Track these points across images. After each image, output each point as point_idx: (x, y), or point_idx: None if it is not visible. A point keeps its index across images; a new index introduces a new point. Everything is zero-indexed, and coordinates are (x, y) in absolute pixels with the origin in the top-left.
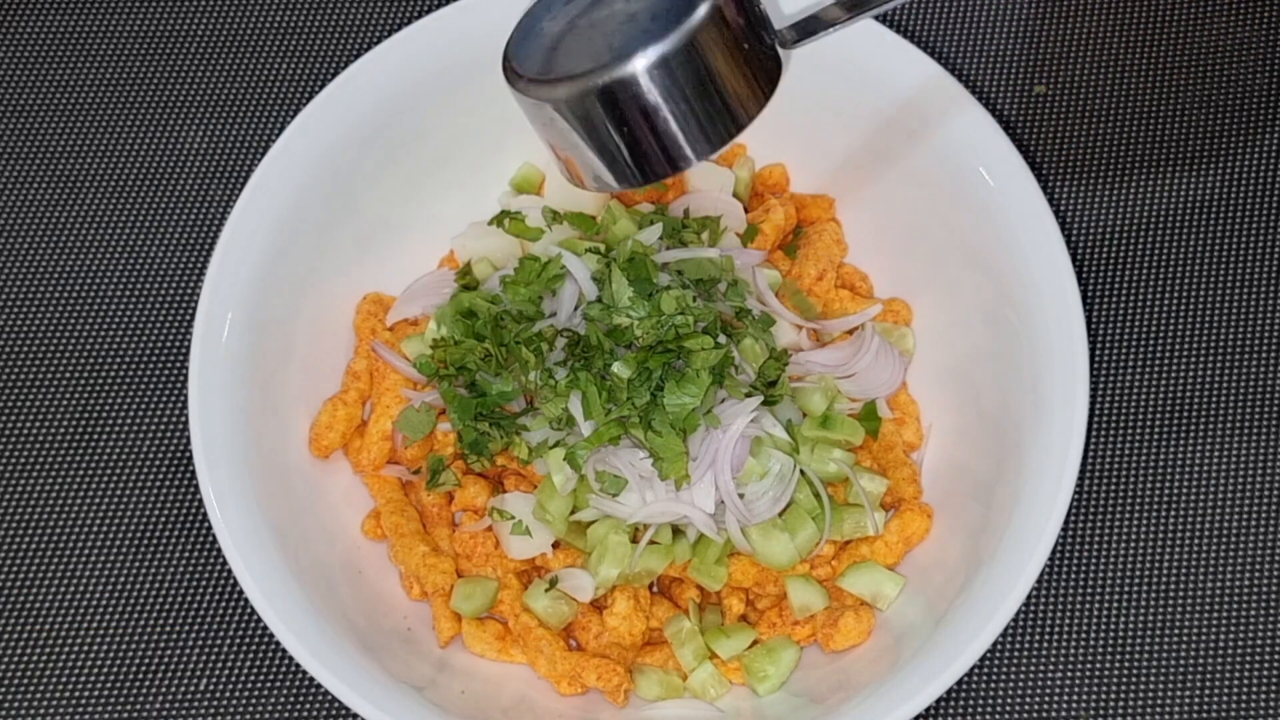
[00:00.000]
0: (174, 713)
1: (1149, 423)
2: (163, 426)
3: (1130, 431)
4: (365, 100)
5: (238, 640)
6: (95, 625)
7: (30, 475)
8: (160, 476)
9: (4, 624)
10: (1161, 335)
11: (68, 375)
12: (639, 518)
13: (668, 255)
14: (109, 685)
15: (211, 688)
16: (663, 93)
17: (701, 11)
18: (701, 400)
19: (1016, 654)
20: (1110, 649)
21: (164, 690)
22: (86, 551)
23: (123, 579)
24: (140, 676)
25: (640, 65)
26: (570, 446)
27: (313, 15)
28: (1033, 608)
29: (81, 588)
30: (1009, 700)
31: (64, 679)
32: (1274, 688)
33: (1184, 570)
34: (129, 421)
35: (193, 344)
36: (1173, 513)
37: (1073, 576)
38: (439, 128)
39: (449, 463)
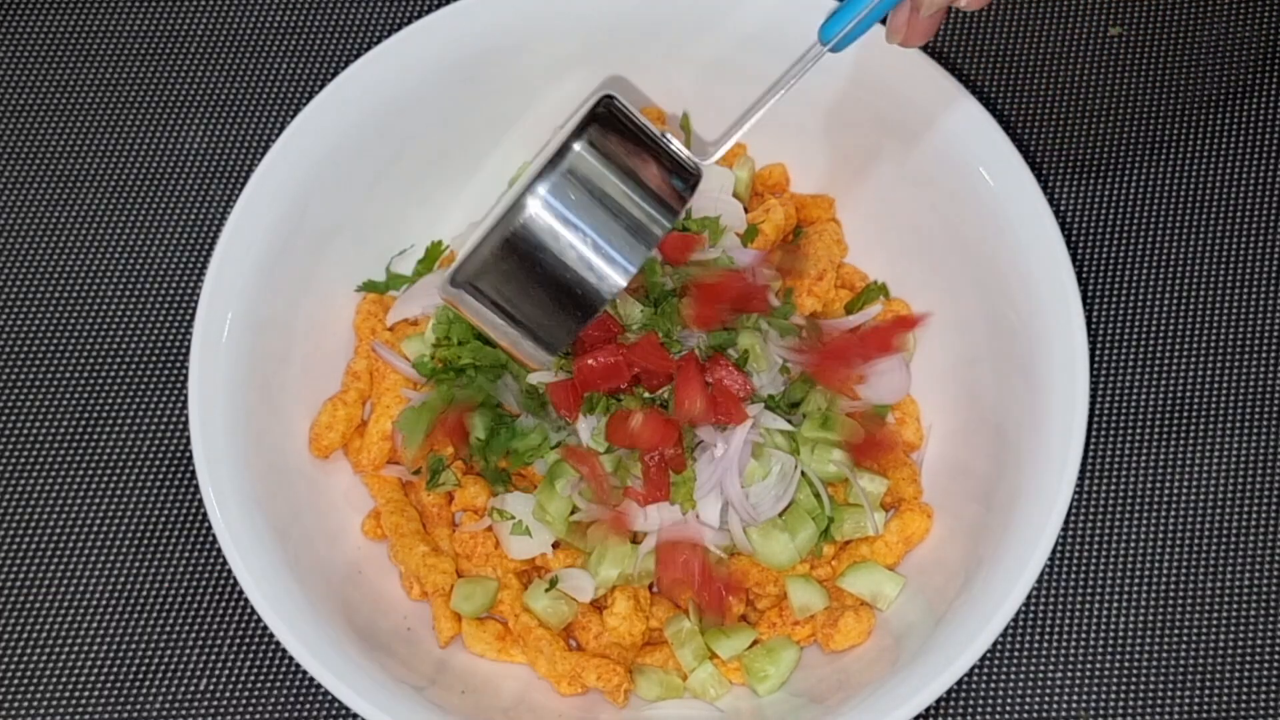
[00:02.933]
0: (174, 713)
1: (1149, 423)
2: (163, 426)
3: (1130, 431)
4: (365, 100)
5: (238, 640)
6: (95, 625)
7: (30, 475)
8: (160, 476)
9: (4, 624)
10: (1161, 335)
11: (68, 375)
12: (642, 527)
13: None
14: (109, 685)
15: (211, 688)
16: (557, 228)
17: (570, 154)
18: None
19: (1016, 654)
20: (1110, 649)
21: (164, 690)
22: (86, 551)
23: (123, 579)
24: (140, 676)
25: (528, 211)
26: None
27: (313, 15)
28: (1033, 608)
29: (81, 588)
30: (1009, 700)
31: (64, 679)
32: (1274, 688)
33: (1184, 570)
34: (129, 421)
35: (193, 344)
36: (1173, 513)
37: (1073, 576)
38: (439, 128)
39: (449, 463)
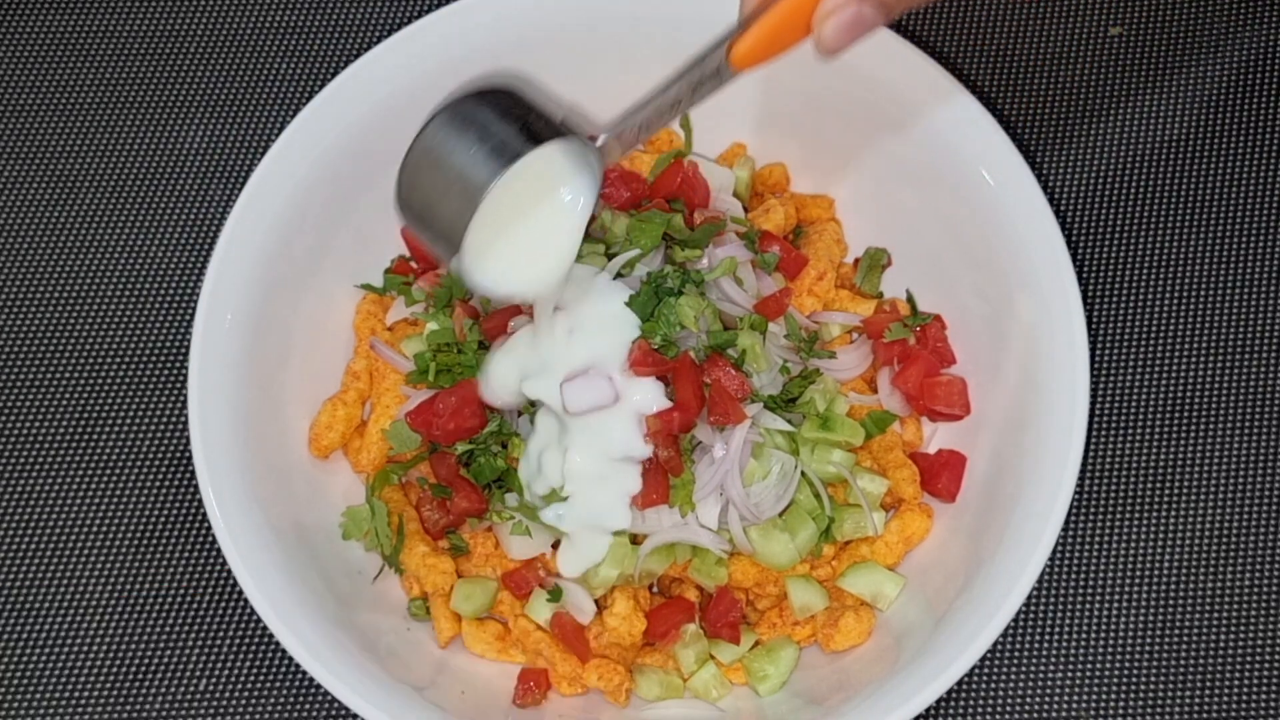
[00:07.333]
0: (174, 713)
1: (1149, 422)
2: (163, 426)
3: (1130, 431)
4: (365, 100)
5: (238, 640)
6: (95, 625)
7: (30, 475)
8: (160, 476)
9: (4, 624)
10: (1162, 335)
11: (68, 375)
12: (642, 528)
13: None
14: (109, 685)
15: (211, 688)
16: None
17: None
18: None
19: (1017, 654)
20: (1110, 649)
21: (164, 690)
22: (86, 551)
23: (123, 579)
24: (140, 676)
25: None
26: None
27: (313, 15)
28: (1033, 608)
29: (81, 588)
30: (1009, 700)
31: (64, 679)
32: (1274, 688)
33: (1184, 570)
34: (129, 421)
35: (193, 344)
36: (1173, 512)
37: (1073, 576)
38: None
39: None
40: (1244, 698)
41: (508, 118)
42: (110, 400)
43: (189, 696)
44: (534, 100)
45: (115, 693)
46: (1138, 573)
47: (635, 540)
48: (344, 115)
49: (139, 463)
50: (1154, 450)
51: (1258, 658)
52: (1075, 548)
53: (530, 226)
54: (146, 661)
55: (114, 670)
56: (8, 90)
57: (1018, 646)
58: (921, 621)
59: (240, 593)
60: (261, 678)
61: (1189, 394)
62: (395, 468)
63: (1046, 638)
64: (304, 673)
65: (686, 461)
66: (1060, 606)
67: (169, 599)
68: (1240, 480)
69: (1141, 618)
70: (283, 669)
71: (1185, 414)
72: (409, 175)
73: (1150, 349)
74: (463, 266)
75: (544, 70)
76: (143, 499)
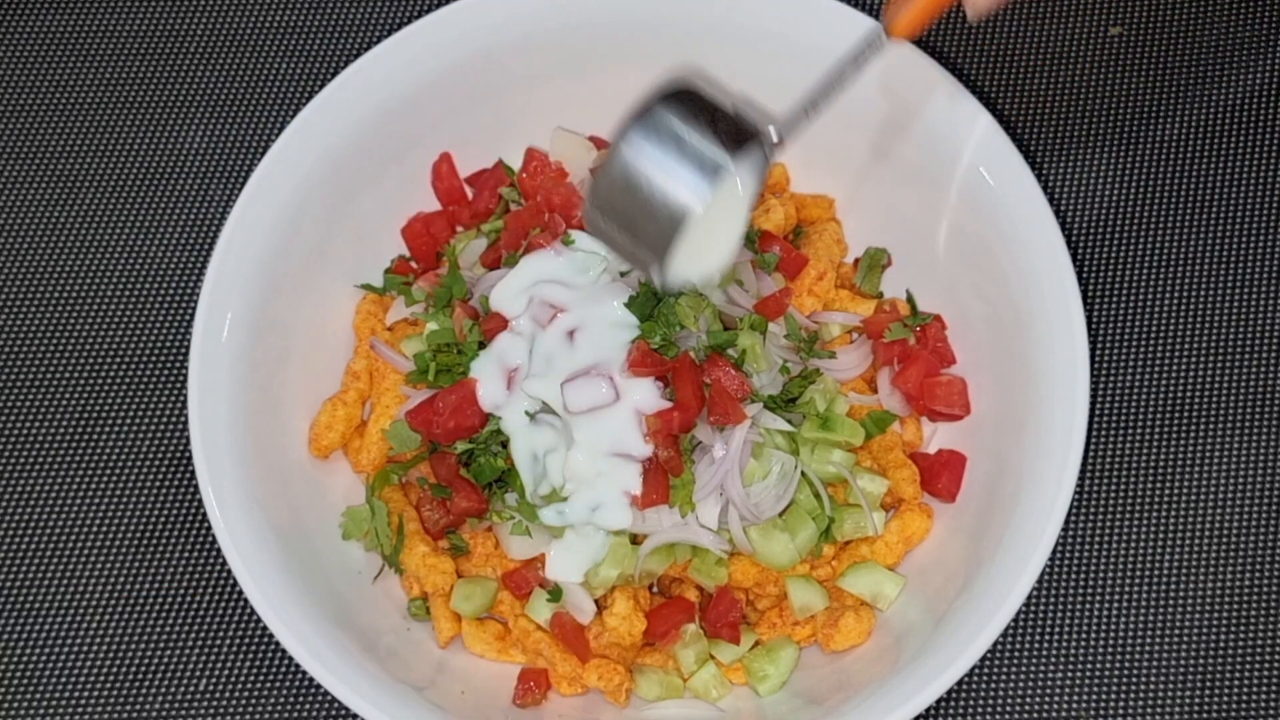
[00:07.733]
0: (174, 713)
1: (1149, 423)
2: (163, 426)
3: (1130, 431)
4: (365, 100)
5: (238, 640)
6: (95, 625)
7: (30, 475)
8: (160, 476)
9: (4, 624)
10: (1162, 335)
11: (68, 375)
12: (642, 529)
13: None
14: (109, 685)
15: (211, 688)
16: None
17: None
18: None
19: (1017, 654)
20: (1110, 649)
21: (164, 690)
22: (86, 551)
23: (123, 579)
24: (140, 676)
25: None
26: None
27: (313, 15)
28: (1033, 608)
29: (81, 588)
30: (1009, 700)
31: (64, 679)
32: (1275, 688)
33: (1184, 570)
34: (129, 421)
35: (193, 344)
36: (1173, 513)
37: (1073, 576)
38: (438, 127)
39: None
40: (1244, 698)
41: (697, 123)
42: (110, 400)
43: (189, 696)
44: (715, 99)
45: (115, 693)
46: (1138, 573)
47: (635, 540)
48: (344, 115)
49: (139, 463)
50: (1154, 450)
51: (1258, 658)
52: (1075, 548)
53: (713, 221)
54: (146, 661)
55: (114, 670)
56: (8, 90)
57: (1018, 646)
58: (921, 621)
59: (240, 593)
60: (261, 678)
61: (1189, 394)
62: (395, 468)
63: (1046, 638)
64: (304, 673)
65: (686, 461)
66: (1060, 606)
67: (169, 599)
68: (1240, 480)
69: (1141, 618)
70: (283, 669)
71: (1185, 414)
72: (605, 192)
73: (1150, 349)
74: (666, 275)
75: (545, 71)
76: (143, 499)
